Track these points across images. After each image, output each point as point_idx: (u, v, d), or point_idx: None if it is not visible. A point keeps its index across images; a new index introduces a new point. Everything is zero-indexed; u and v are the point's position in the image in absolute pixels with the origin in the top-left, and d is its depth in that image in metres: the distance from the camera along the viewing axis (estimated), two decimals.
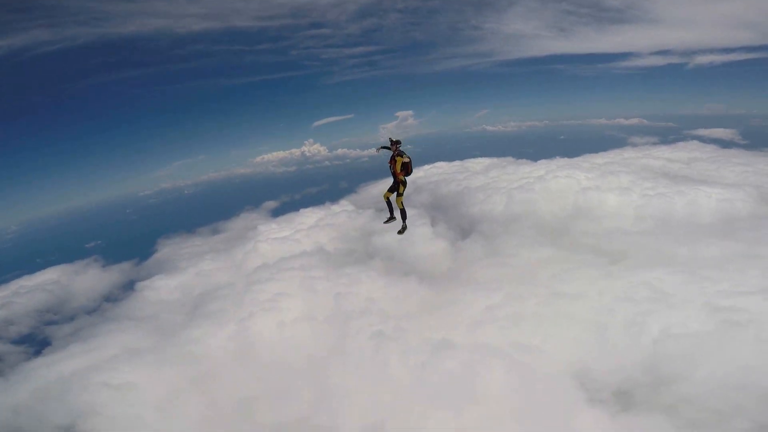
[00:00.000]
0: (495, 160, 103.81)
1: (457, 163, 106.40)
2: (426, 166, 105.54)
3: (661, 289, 35.64)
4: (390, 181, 11.66)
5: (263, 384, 33.41)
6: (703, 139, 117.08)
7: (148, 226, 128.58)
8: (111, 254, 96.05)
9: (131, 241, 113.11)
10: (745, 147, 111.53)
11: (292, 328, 40.27)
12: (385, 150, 11.56)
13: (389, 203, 11.90)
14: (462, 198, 71.09)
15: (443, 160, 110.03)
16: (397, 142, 11.15)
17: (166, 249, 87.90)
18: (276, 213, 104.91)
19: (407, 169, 11.42)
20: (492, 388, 29.12)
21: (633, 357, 30.82)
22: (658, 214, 53.78)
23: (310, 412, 30.30)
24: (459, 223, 62.44)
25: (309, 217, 77.90)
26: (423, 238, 54.83)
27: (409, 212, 12.23)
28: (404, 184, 11.54)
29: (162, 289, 58.03)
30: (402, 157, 11.32)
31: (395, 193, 11.65)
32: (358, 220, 70.96)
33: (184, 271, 62.72)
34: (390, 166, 11.26)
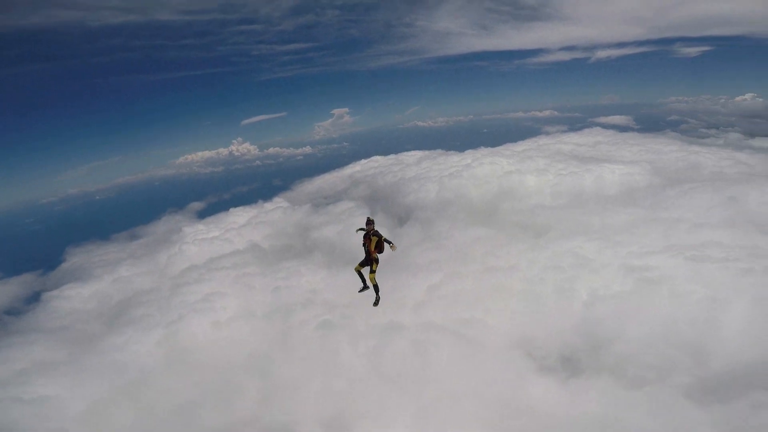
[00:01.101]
0: (426, 152, 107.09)
1: (392, 156, 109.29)
2: (363, 161, 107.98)
3: (583, 255, 38.95)
4: (360, 256, 12.61)
5: (202, 388, 30.84)
6: (604, 126, 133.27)
7: (53, 236, 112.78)
8: (9, 267, 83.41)
9: (34, 253, 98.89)
10: (638, 131, 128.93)
11: (229, 328, 37.83)
12: (361, 231, 12.50)
13: (361, 275, 12.80)
14: (398, 188, 72.40)
15: (379, 155, 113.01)
16: (372, 222, 12.17)
17: (76, 258, 77.65)
18: (203, 214, 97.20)
19: (380, 247, 12.01)
20: (444, 365, 29.63)
21: (569, 322, 32.78)
22: (571, 190, 59.31)
23: (260, 411, 28.76)
24: (396, 211, 63.55)
25: (240, 216, 73.94)
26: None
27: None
28: (377, 261, 12.29)
29: (74, 298, 51.92)
30: (377, 237, 12.10)
31: (368, 268, 12.57)
32: (294, 216, 68.79)
33: (99, 279, 56.67)
34: (365, 245, 12.17)
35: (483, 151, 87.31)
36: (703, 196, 46.73)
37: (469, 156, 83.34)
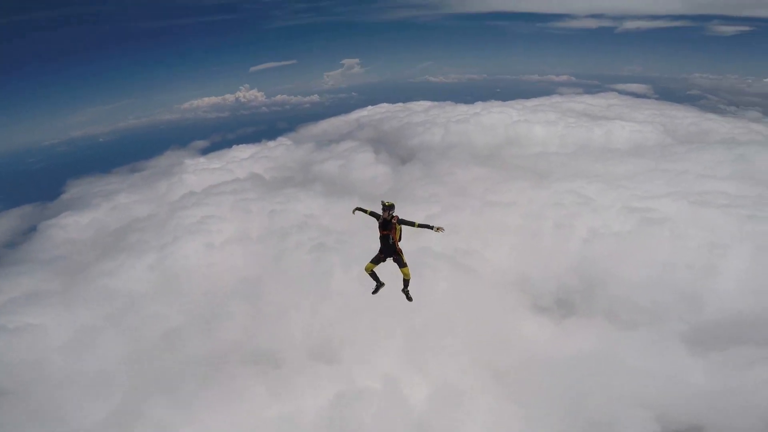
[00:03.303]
0: (435, 103, 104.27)
1: (399, 104, 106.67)
2: (370, 107, 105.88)
3: (585, 194, 38.42)
4: (370, 254, 9.79)
5: (190, 314, 30.46)
6: (620, 92, 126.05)
7: (54, 173, 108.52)
8: (9, 201, 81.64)
9: (34, 187, 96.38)
10: (656, 99, 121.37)
11: (223, 251, 37.48)
12: (360, 212, 9.70)
13: (374, 275, 10.18)
14: (403, 132, 71.60)
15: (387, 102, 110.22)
16: (392, 207, 9.18)
17: (76, 189, 76.19)
18: (206, 151, 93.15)
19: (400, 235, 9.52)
20: (439, 291, 28.63)
21: (566, 262, 32.28)
22: (579, 141, 58.39)
23: (245, 337, 28.19)
24: (399, 153, 62.69)
25: (243, 151, 73.01)
26: (365, 164, 54.51)
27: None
28: (401, 252, 9.64)
29: (71, 227, 50.77)
30: (402, 224, 9.26)
31: (394, 263, 9.81)
32: (296, 153, 67.92)
33: (97, 207, 55.38)
34: (386, 236, 9.40)
35: (493, 104, 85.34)
36: (712, 153, 45.75)
37: (478, 106, 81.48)
